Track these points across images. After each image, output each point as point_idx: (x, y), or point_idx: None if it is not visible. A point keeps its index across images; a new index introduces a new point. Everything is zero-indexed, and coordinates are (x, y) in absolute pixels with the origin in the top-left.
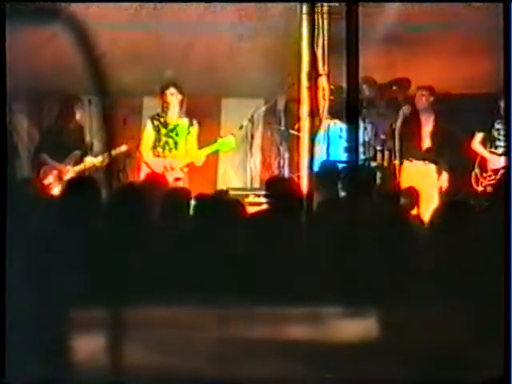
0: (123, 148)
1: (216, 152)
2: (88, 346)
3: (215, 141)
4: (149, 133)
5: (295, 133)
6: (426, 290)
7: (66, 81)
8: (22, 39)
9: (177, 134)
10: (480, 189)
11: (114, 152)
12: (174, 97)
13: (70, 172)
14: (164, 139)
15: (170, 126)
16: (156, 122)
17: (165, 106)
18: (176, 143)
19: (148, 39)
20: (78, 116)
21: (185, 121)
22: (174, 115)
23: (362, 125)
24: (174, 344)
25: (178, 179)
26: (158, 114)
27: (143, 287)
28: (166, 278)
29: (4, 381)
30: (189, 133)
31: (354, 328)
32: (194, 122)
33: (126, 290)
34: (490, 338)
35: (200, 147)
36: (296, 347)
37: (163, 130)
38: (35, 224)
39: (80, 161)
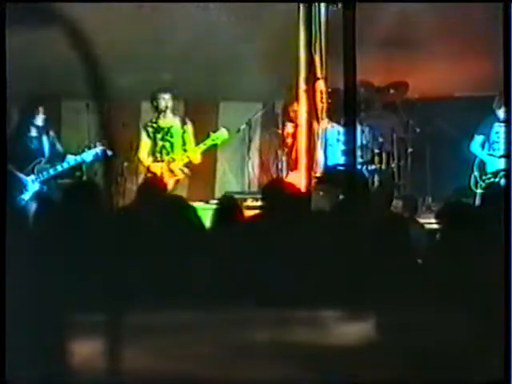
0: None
1: (212, 147)
2: (90, 347)
3: (208, 136)
4: (144, 140)
5: (293, 136)
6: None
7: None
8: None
9: (172, 136)
10: (479, 191)
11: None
12: (168, 101)
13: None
14: (160, 143)
15: (165, 130)
16: (150, 129)
17: (159, 111)
18: (172, 145)
19: (146, 42)
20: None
21: (177, 121)
22: (167, 118)
23: (359, 128)
24: (174, 349)
25: (177, 181)
26: (150, 121)
27: (143, 291)
28: (163, 282)
29: (4, 380)
30: (184, 132)
31: (351, 330)
32: (187, 120)
33: (125, 294)
34: (490, 339)
35: (196, 145)
36: (296, 350)
37: (158, 135)
38: (36, 227)
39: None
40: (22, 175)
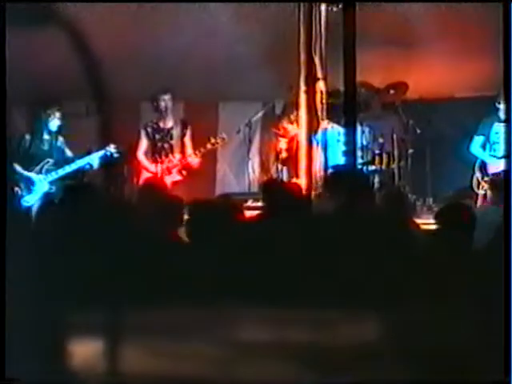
0: None
1: (213, 151)
2: (90, 347)
3: (208, 140)
4: (144, 140)
5: (293, 136)
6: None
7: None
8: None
9: (171, 138)
10: (481, 192)
11: None
12: (168, 102)
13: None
14: (160, 144)
15: (165, 131)
16: (149, 129)
17: (159, 112)
18: (171, 147)
19: (145, 43)
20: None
21: (178, 124)
22: (168, 120)
23: (359, 128)
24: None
25: (176, 182)
26: (150, 121)
27: (142, 291)
28: (164, 281)
29: (4, 380)
30: (184, 135)
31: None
32: (187, 123)
33: (125, 294)
34: (490, 340)
35: (195, 149)
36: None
37: (158, 136)
38: (36, 229)
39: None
40: (30, 174)
